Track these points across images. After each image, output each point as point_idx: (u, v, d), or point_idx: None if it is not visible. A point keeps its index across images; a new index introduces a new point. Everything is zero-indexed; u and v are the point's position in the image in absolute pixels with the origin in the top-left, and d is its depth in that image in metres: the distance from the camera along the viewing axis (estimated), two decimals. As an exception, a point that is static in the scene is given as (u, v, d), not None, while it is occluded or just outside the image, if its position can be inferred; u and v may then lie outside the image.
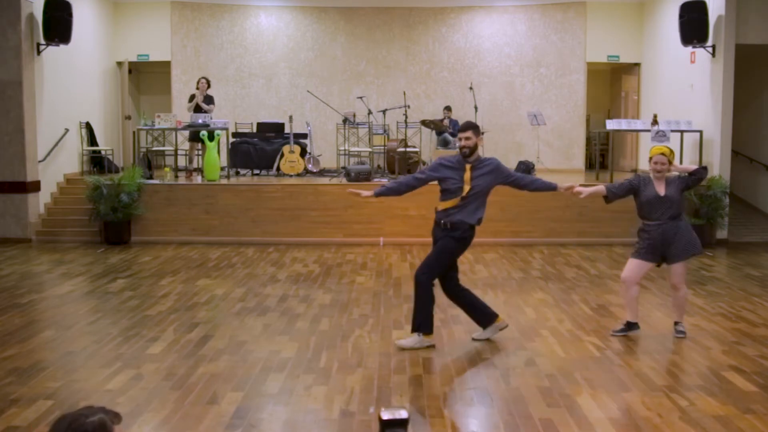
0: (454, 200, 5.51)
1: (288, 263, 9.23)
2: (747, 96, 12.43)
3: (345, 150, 13.27)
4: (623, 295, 6.07)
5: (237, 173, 12.79)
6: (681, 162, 11.25)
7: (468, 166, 5.52)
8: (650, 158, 5.80)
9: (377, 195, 5.68)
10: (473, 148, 5.48)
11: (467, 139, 5.48)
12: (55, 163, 11.63)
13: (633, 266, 5.86)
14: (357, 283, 8.03)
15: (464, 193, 5.49)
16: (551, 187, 5.74)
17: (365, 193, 5.69)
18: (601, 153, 15.11)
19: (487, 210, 5.63)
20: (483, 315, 5.78)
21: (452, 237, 5.51)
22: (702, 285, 8.00)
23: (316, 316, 6.55)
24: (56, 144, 11.61)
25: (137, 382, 4.82)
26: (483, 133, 13.31)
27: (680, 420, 4.22)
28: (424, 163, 13.27)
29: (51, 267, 9.00)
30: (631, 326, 5.95)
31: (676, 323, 5.97)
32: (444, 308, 6.75)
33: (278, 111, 14.45)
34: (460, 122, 13.96)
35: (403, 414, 2.13)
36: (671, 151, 5.80)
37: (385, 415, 2.13)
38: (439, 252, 5.56)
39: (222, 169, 11.95)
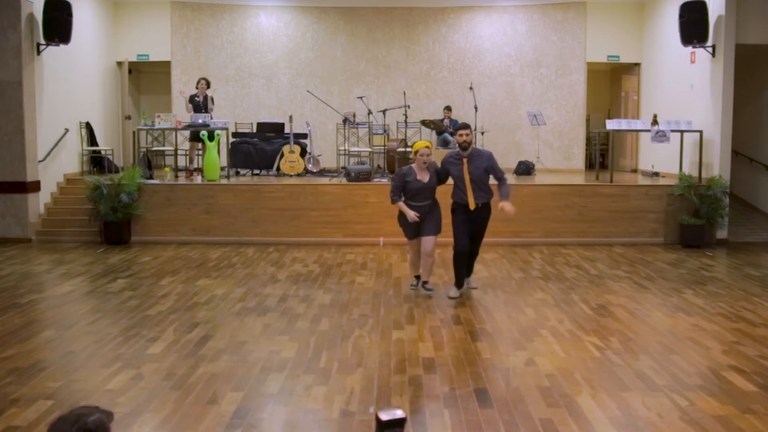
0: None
1: (288, 263, 9.23)
2: (747, 96, 12.43)
3: (345, 150, 13.27)
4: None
5: (237, 173, 12.78)
6: (681, 162, 11.27)
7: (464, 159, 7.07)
8: (415, 152, 7.14)
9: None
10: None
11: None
12: (55, 163, 11.63)
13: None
14: (357, 283, 8.03)
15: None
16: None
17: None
18: (601, 153, 15.11)
19: None
20: (462, 278, 7.34)
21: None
22: (702, 285, 8.00)
23: (316, 316, 6.55)
24: (56, 144, 11.61)
25: (137, 382, 4.82)
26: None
27: (680, 420, 4.22)
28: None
29: (51, 267, 9.00)
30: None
31: (425, 282, 7.33)
32: (444, 309, 6.78)
33: (278, 111, 14.46)
34: (460, 122, 14.14)
35: (399, 414, 2.13)
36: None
37: (384, 416, 2.13)
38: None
39: (222, 169, 11.95)
